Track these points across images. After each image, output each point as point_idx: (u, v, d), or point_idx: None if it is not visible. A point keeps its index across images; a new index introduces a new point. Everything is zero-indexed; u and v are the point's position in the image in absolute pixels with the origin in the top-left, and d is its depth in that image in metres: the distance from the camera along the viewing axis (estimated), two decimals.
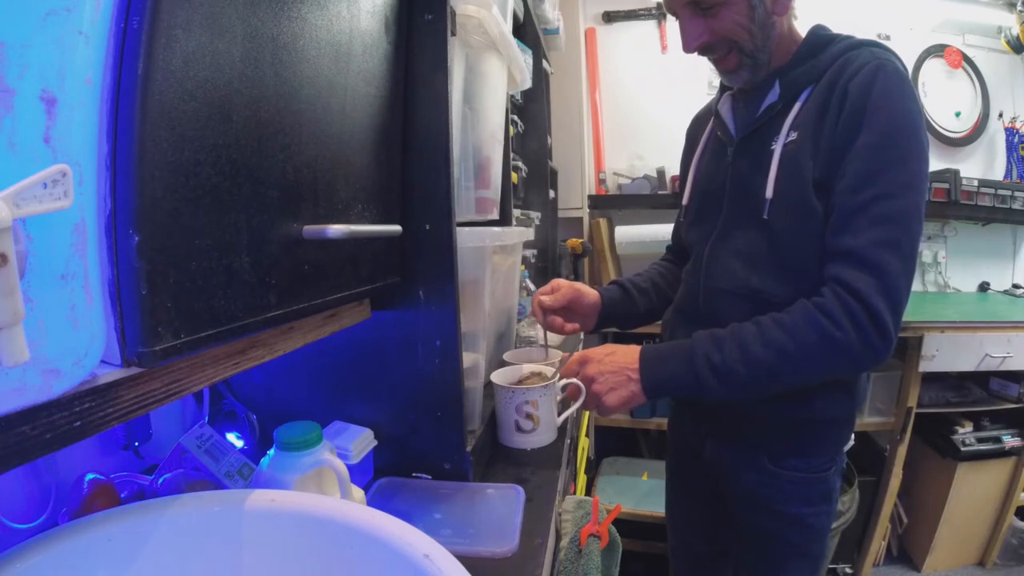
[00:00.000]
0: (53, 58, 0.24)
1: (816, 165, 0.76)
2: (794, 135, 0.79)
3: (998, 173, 2.38)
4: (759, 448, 0.88)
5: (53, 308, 0.28)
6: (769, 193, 0.80)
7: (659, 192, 2.44)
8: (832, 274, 0.73)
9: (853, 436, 0.94)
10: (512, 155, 1.36)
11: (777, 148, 0.80)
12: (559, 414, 0.98)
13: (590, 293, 1.03)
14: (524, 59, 1.13)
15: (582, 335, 1.78)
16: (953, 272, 2.40)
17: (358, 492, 0.64)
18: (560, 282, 1.02)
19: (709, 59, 0.85)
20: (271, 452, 0.59)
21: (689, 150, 1.03)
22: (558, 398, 0.99)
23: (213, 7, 0.36)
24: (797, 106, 0.80)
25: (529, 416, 0.92)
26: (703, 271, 0.90)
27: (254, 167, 0.42)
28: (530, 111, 1.81)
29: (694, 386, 0.77)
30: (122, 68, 0.29)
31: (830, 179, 0.75)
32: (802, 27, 0.86)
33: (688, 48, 0.83)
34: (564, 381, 1.03)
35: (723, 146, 0.91)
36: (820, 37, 0.83)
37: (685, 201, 0.99)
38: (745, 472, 0.90)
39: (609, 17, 2.51)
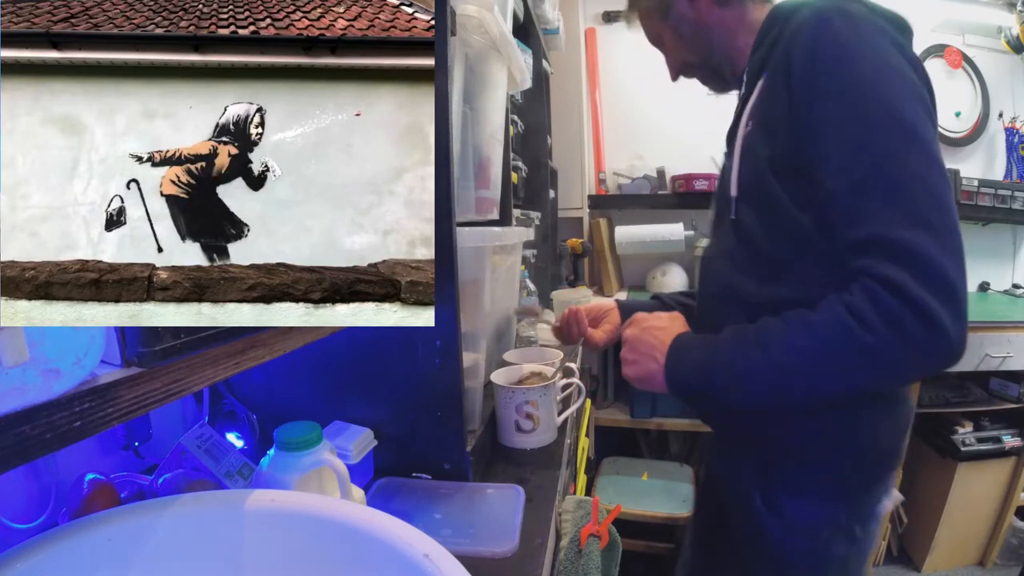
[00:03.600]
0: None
1: (771, 146, 0.68)
2: (751, 124, 0.73)
3: (998, 173, 2.38)
4: (753, 476, 0.78)
5: None
6: (734, 191, 0.75)
7: (659, 192, 2.44)
8: (858, 268, 0.60)
9: (892, 493, 0.76)
10: (512, 155, 1.36)
11: (738, 141, 0.75)
12: (559, 414, 0.98)
13: (607, 300, 1.04)
14: (524, 59, 1.13)
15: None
16: None
17: (358, 492, 0.64)
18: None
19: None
20: (271, 452, 0.59)
21: None
22: (558, 398, 0.99)
23: None
24: (755, 95, 0.73)
25: (529, 416, 0.92)
26: (703, 278, 0.87)
27: None
28: (530, 111, 1.80)
29: (707, 388, 0.69)
30: None
31: (798, 162, 0.66)
32: None
33: (673, 78, 0.91)
34: (565, 381, 1.03)
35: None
36: (777, 13, 0.74)
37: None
38: (738, 500, 0.80)
39: (609, 17, 2.51)
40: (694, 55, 0.83)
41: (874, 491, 0.74)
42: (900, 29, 0.64)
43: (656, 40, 0.88)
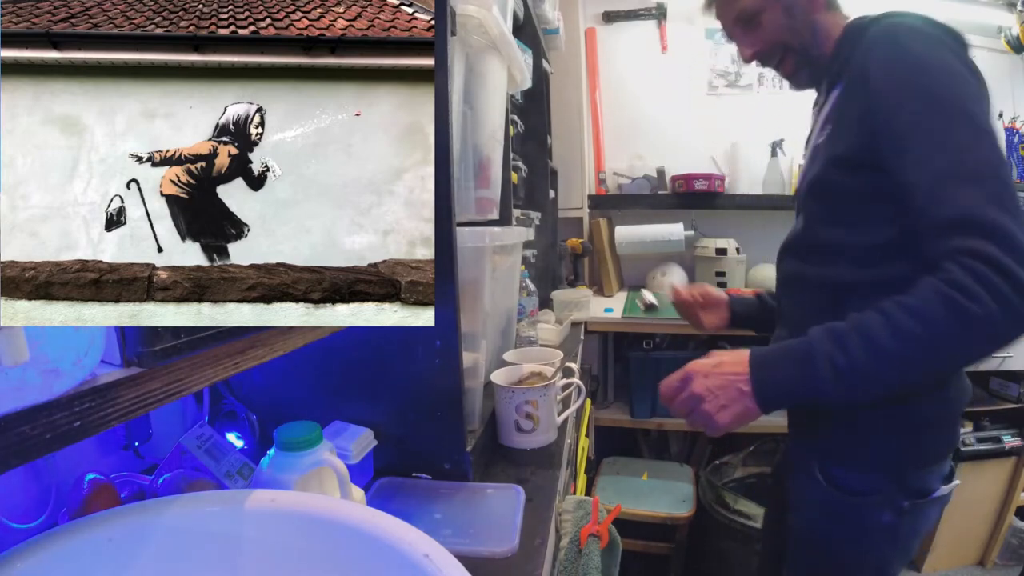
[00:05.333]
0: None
1: (841, 146, 0.77)
2: (828, 129, 0.80)
3: None
4: (812, 445, 0.85)
5: None
6: (798, 184, 0.87)
7: (659, 192, 2.44)
8: (952, 247, 0.65)
9: (952, 469, 0.81)
10: (512, 155, 1.36)
11: (810, 144, 0.84)
12: (559, 414, 0.98)
13: (716, 289, 1.13)
14: (524, 59, 1.13)
15: (581, 336, 1.78)
16: None
17: (358, 492, 0.64)
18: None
19: (776, 70, 0.91)
20: (271, 452, 0.59)
21: None
22: (558, 398, 0.99)
23: None
24: (831, 102, 0.82)
25: (529, 416, 0.92)
26: (777, 272, 0.95)
27: None
28: (530, 111, 1.80)
29: (813, 394, 0.69)
30: None
31: (871, 158, 0.73)
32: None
33: (745, 59, 0.91)
34: (565, 381, 1.03)
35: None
36: (852, 28, 0.82)
37: None
38: (796, 473, 0.87)
39: (609, 17, 2.51)
40: (797, 40, 0.85)
41: (925, 470, 0.79)
42: (957, 41, 0.73)
43: (748, 16, 0.86)
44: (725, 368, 0.73)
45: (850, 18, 0.85)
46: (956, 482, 0.82)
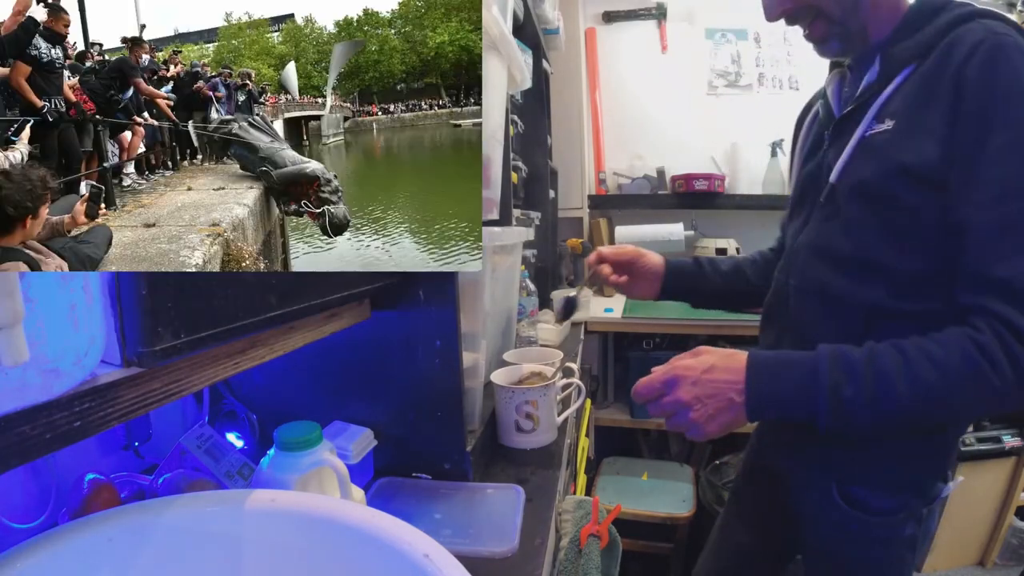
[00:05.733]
0: None
1: (912, 152, 0.67)
2: (889, 124, 0.70)
3: None
4: (826, 465, 0.80)
5: (53, 308, 0.28)
6: (834, 177, 0.75)
7: (659, 192, 2.44)
8: (985, 306, 0.63)
9: (951, 479, 0.81)
10: (512, 155, 1.36)
11: (858, 132, 0.73)
12: (559, 414, 0.98)
13: (653, 255, 1.03)
14: (524, 59, 1.13)
15: (581, 336, 1.78)
16: None
17: (358, 492, 0.64)
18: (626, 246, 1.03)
19: (803, 31, 0.79)
20: (271, 452, 0.59)
21: (795, 136, 0.95)
22: (558, 398, 0.99)
23: None
24: (891, 88, 0.71)
25: (529, 416, 0.92)
26: (789, 269, 0.84)
27: None
28: (530, 111, 1.81)
29: (806, 417, 0.66)
30: None
31: (940, 176, 0.66)
32: None
33: (770, 16, 0.79)
34: (565, 381, 1.03)
35: (823, 128, 0.83)
36: (927, 5, 0.73)
37: (789, 191, 0.91)
38: (807, 492, 0.83)
39: (609, 17, 2.51)
40: (836, 7, 0.74)
41: (939, 479, 0.80)
42: None
43: None
44: (717, 375, 0.69)
45: None
46: (960, 478, 0.84)
